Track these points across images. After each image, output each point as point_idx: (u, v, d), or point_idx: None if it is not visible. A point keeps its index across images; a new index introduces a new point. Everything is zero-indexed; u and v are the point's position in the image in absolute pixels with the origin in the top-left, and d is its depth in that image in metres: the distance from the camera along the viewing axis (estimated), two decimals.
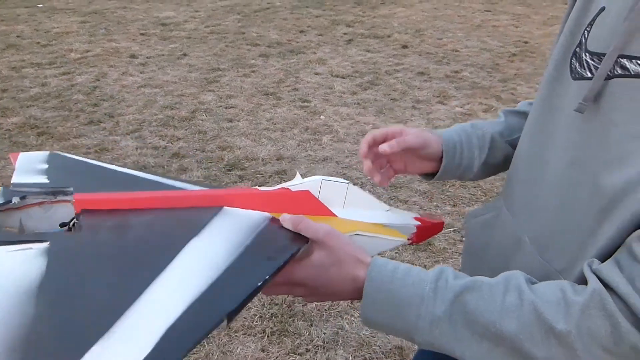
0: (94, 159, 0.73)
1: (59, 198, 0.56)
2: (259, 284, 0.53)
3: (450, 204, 3.09)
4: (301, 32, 6.79)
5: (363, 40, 6.45)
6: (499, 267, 0.67)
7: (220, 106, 4.42)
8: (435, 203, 3.09)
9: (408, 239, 0.81)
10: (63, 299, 0.47)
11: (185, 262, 0.54)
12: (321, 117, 4.26)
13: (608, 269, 0.54)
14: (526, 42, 6.45)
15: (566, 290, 0.56)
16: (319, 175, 0.77)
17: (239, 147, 3.73)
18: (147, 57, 5.62)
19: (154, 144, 3.75)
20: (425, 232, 0.84)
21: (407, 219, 0.82)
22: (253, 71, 5.28)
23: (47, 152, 0.62)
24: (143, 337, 0.43)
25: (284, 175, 3.36)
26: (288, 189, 0.73)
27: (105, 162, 0.71)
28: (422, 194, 3.15)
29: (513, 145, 0.88)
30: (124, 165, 0.92)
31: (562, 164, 0.67)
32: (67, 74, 5.06)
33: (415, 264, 0.64)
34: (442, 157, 0.85)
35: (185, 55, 5.74)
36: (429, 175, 0.90)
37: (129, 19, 7.18)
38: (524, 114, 0.88)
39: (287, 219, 0.65)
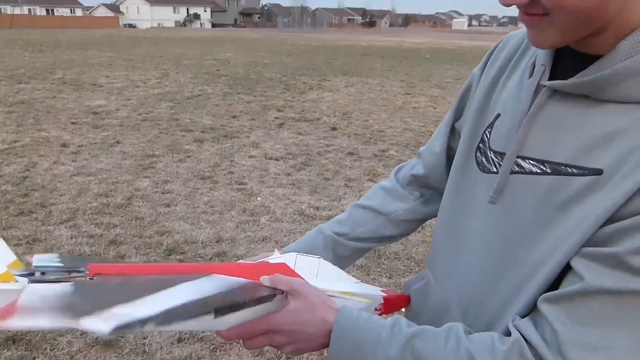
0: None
1: (73, 275, 0.66)
2: (246, 300, 0.69)
3: (386, 276, 3.23)
4: (234, 117, 7.02)
5: (294, 124, 6.75)
6: None
7: (157, 192, 4.45)
8: (372, 276, 3.22)
9: (376, 309, 0.93)
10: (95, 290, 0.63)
11: (181, 287, 0.69)
12: (258, 198, 4.38)
13: (525, 324, 0.68)
14: None
15: (494, 339, 0.69)
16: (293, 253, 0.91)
17: (178, 231, 3.74)
18: (79, 146, 5.59)
19: (89, 232, 3.69)
20: (393, 305, 0.96)
21: (375, 290, 0.94)
22: (188, 156, 5.38)
23: (58, 253, 0.74)
24: (159, 305, 0.63)
25: (224, 257, 3.39)
26: (267, 262, 0.85)
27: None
28: (360, 268, 3.28)
29: (358, 239, 1.05)
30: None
31: (478, 243, 0.81)
32: None
33: None
34: None
35: (118, 142, 5.76)
36: None
37: (58, 108, 7.16)
38: (369, 209, 1.05)
39: (266, 278, 0.77)
